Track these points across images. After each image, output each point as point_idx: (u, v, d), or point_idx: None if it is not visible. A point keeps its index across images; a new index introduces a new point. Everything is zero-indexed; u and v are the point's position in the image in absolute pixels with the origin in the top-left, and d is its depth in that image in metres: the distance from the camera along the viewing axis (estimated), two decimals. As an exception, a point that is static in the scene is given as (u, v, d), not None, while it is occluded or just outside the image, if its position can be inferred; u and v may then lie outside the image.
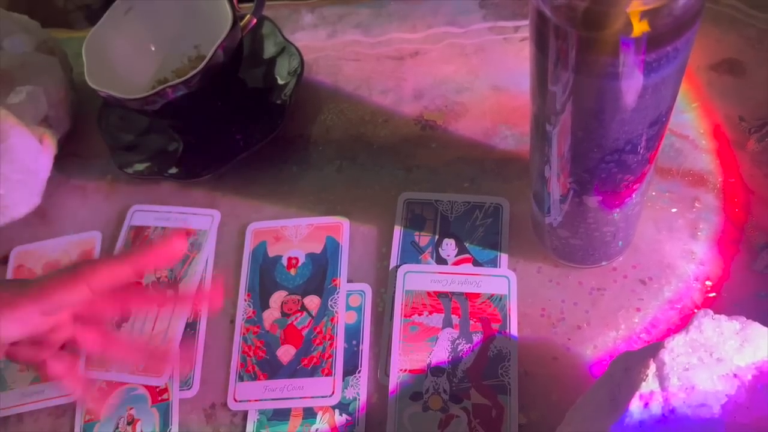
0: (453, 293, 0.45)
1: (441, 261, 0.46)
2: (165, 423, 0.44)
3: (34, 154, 0.51)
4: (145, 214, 0.52)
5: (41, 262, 0.51)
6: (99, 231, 0.52)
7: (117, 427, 0.44)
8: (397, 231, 0.48)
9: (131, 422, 0.44)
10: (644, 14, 0.25)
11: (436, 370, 0.42)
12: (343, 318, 0.45)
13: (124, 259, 0.37)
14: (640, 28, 0.25)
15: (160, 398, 0.45)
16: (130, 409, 0.45)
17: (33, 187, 0.52)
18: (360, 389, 0.43)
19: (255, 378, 0.44)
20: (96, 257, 0.51)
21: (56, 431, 0.45)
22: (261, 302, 0.47)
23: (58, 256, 0.51)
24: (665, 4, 0.25)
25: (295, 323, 0.46)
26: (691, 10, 0.26)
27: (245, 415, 0.43)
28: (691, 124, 0.49)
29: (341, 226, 0.49)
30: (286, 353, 0.45)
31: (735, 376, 0.32)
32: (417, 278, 0.45)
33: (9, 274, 0.51)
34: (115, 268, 0.36)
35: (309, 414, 0.43)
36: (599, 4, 0.25)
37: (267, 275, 0.48)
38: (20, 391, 0.46)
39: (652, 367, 0.32)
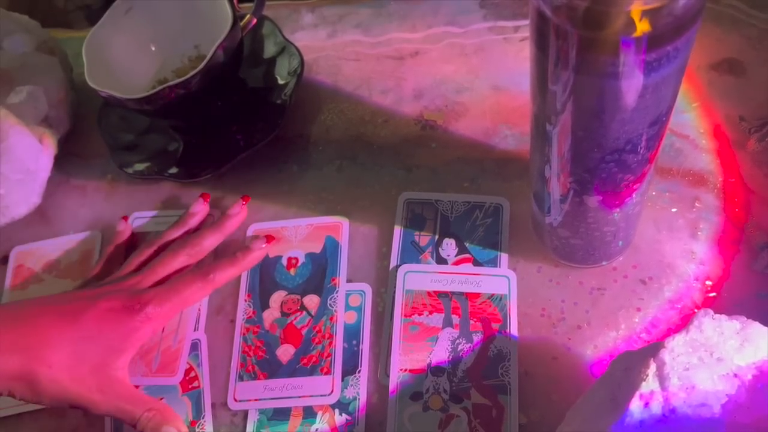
0: (453, 293, 0.45)
1: (441, 261, 0.46)
2: (198, 411, 0.44)
3: (34, 154, 0.51)
4: (145, 219, 0.52)
5: (41, 262, 0.51)
6: (99, 231, 0.52)
7: None
8: (397, 231, 0.48)
9: None
10: (645, 14, 0.25)
11: (436, 370, 0.42)
12: (342, 317, 0.45)
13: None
14: (640, 27, 0.25)
15: (190, 386, 0.45)
16: (160, 399, 0.44)
17: (33, 187, 0.52)
18: (360, 389, 0.43)
19: (255, 378, 0.44)
20: (96, 257, 0.51)
21: (56, 431, 0.45)
22: (261, 302, 0.47)
23: (58, 256, 0.51)
24: (666, 4, 0.25)
25: (294, 322, 0.46)
26: (691, 10, 0.26)
27: (245, 414, 0.43)
28: (691, 123, 0.49)
29: (341, 226, 0.49)
30: (285, 352, 0.45)
31: (735, 375, 0.32)
32: (417, 278, 0.45)
33: (9, 274, 0.51)
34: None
35: (309, 414, 0.43)
36: (600, 3, 0.25)
37: (267, 275, 0.48)
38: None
39: (653, 367, 0.32)
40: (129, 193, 0.54)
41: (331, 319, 0.45)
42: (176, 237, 0.48)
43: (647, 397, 0.31)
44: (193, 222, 0.49)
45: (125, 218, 0.51)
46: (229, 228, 0.49)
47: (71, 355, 0.40)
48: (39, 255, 0.52)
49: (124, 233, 0.50)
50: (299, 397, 0.43)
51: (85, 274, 0.50)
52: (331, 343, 0.44)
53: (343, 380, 0.43)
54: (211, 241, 0.48)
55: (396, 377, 0.42)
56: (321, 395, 0.43)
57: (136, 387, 0.45)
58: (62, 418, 0.45)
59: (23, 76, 0.52)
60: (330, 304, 0.46)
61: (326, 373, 0.43)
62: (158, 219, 0.52)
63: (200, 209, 0.50)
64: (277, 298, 0.47)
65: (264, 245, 0.47)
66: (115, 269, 0.47)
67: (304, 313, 0.46)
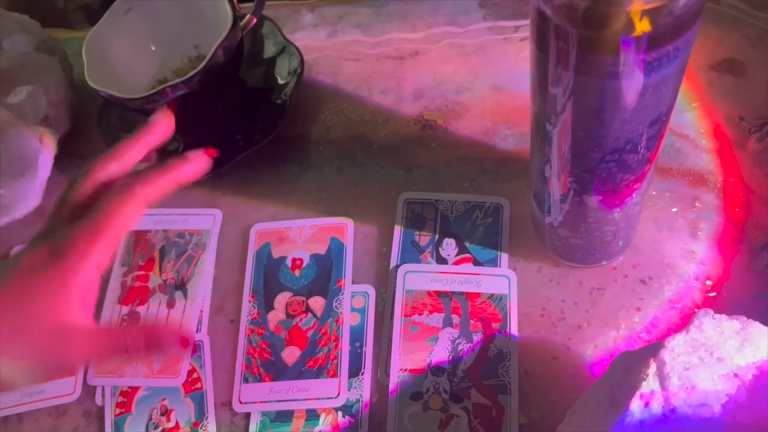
0: (453, 293, 0.45)
1: (441, 261, 0.46)
2: (201, 412, 0.44)
3: (34, 154, 0.51)
4: (144, 218, 0.51)
5: (41, 262, 0.51)
6: (99, 231, 0.52)
7: (150, 419, 0.44)
8: (398, 231, 0.48)
9: (165, 413, 0.44)
10: (645, 14, 0.25)
11: (436, 370, 0.42)
12: (348, 319, 0.45)
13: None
14: (640, 27, 0.25)
15: (193, 387, 0.45)
16: (163, 399, 0.44)
17: (33, 187, 0.52)
18: (363, 390, 0.43)
19: (260, 380, 0.44)
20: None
21: (56, 431, 0.45)
22: (266, 303, 0.47)
23: (59, 256, 0.51)
24: (666, 4, 0.25)
25: (299, 324, 0.46)
26: (691, 10, 0.26)
27: (247, 415, 0.43)
28: (691, 123, 0.49)
29: (345, 227, 0.49)
30: (291, 355, 0.45)
31: (735, 375, 0.32)
32: (417, 278, 0.45)
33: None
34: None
35: (312, 415, 0.43)
36: (600, 3, 0.25)
37: (271, 276, 0.48)
38: (20, 391, 0.46)
39: (653, 367, 0.32)
40: (129, 193, 0.54)
41: (337, 321, 0.45)
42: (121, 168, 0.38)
43: (647, 396, 0.31)
44: (147, 141, 0.39)
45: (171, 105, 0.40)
46: (187, 173, 0.38)
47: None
48: (39, 255, 0.52)
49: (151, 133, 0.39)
50: (305, 399, 0.43)
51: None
52: (337, 345, 0.44)
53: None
54: (162, 186, 0.38)
55: (396, 377, 0.42)
56: (327, 398, 0.43)
57: (138, 388, 0.45)
58: (62, 417, 0.46)
59: (23, 76, 0.52)
60: (335, 307, 0.46)
61: (333, 376, 0.43)
62: (157, 218, 0.52)
63: (160, 121, 0.40)
64: (282, 299, 0.47)
65: (201, 157, 0.38)
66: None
67: (310, 314, 0.46)
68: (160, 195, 0.37)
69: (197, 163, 0.39)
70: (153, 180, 0.37)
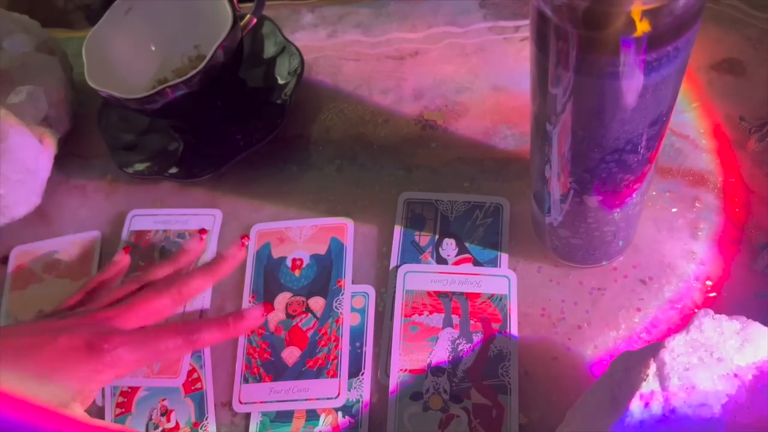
0: (453, 293, 0.45)
1: (441, 261, 0.46)
2: (201, 412, 0.44)
3: (34, 154, 0.51)
4: (144, 218, 0.52)
5: (41, 262, 0.51)
6: (99, 231, 0.52)
7: (150, 419, 0.44)
8: (398, 231, 0.48)
9: (165, 413, 0.44)
10: (645, 14, 0.25)
11: (436, 370, 0.42)
12: (348, 319, 0.45)
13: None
14: (640, 27, 0.25)
15: (193, 388, 0.45)
16: (163, 400, 0.44)
17: (33, 187, 0.52)
18: (363, 391, 0.43)
19: (260, 380, 0.44)
20: (96, 257, 0.51)
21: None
22: (265, 304, 0.47)
23: (58, 256, 0.51)
24: (666, 4, 0.25)
25: (299, 324, 0.46)
26: (691, 10, 0.26)
27: (246, 415, 0.43)
28: (691, 123, 0.49)
29: (346, 227, 0.49)
30: (291, 355, 0.45)
31: (735, 375, 0.32)
32: (417, 278, 0.45)
33: (9, 274, 0.51)
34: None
35: (312, 416, 0.43)
36: (600, 3, 0.25)
37: (271, 276, 0.48)
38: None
39: (653, 367, 0.32)
40: (129, 193, 0.54)
41: (337, 321, 0.45)
42: (165, 274, 0.45)
43: (647, 397, 0.31)
44: (186, 260, 0.46)
45: (127, 249, 0.48)
46: (223, 271, 0.45)
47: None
48: (39, 255, 0.52)
49: (118, 265, 0.46)
50: (305, 399, 0.43)
51: (86, 274, 0.50)
52: (337, 345, 0.44)
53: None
54: (200, 284, 0.44)
55: (396, 377, 0.42)
56: (327, 398, 0.43)
57: (138, 388, 0.45)
58: (62, 418, 0.45)
59: (23, 76, 0.52)
60: (335, 307, 0.46)
61: (332, 376, 0.43)
62: (157, 218, 0.52)
63: (195, 247, 0.47)
64: (282, 299, 0.47)
65: (261, 314, 0.44)
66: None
67: (310, 315, 0.46)
68: (210, 343, 0.43)
69: (253, 320, 0.44)
70: (210, 329, 0.42)
